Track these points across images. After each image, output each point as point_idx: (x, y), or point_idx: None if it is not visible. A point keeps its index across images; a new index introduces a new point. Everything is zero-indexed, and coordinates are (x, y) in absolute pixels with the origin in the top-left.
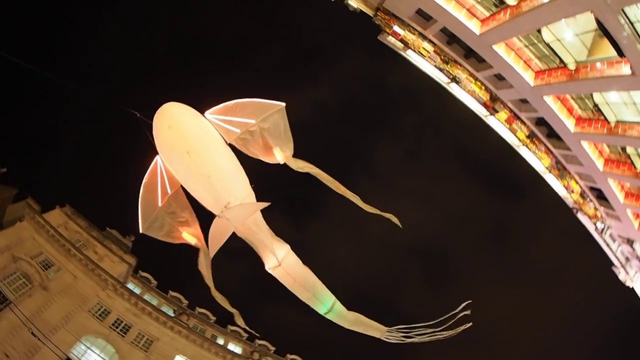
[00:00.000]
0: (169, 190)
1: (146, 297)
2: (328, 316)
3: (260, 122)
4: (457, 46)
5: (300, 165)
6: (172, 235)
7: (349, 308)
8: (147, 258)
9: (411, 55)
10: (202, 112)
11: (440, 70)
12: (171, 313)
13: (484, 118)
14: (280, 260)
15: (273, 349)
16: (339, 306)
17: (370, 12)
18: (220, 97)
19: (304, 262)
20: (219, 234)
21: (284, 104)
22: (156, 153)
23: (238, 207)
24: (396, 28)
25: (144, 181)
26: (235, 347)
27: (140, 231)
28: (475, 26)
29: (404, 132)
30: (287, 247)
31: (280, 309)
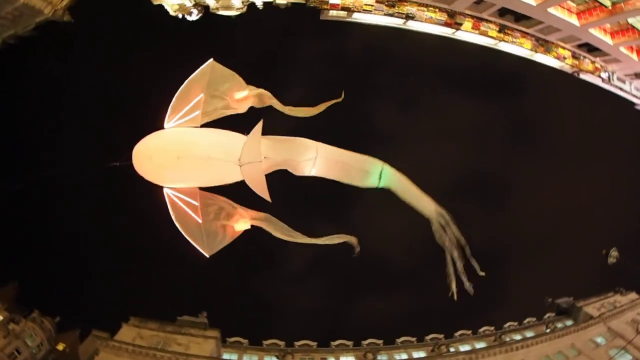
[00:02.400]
0: (196, 203)
1: (245, 358)
2: (383, 185)
3: (206, 91)
4: None
5: (258, 92)
6: (230, 233)
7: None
8: (228, 323)
9: (359, 17)
10: (160, 125)
11: (391, 15)
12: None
13: (452, 36)
14: (316, 153)
15: (380, 342)
16: (388, 169)
17: (301, 0)
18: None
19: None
20: (256, 181)
21: (210, 60)
22: (159, 193)
23: (245, 149)
24: (332, 0)
25: (174, 218)
26: (347, 359)
27: (208, 255)
28: None
29: (387, 89)
30: (311, 141)
31: (366, 303)
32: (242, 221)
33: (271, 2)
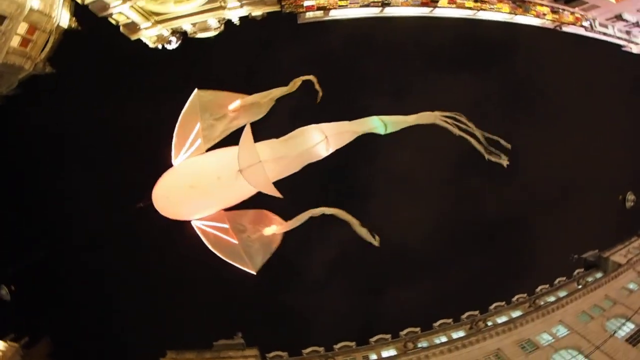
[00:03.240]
0: (226, 225)
1: None
2: (390, 130)
3: (202, 119)
4: None
5: (251, 97)
6: (269, 243)
7: None
8: (264, 339)
9: (336, 14)
10: (169, 162)
11: (367, 6)
12: None
13: (431, 15)
14: (323, 133)
15: (418, 329)
16: (385, 117)
17: (276, 7)
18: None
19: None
20: (261, 182)
21: (194, 90)
22: (185, 227)
23: (240, 154)
24: (307, 2)
25: (211, 247)
26: (389, 352)
27: (255, 272)
28: None
29: (376, 79)
30: (311, 126)
31: (395, 294)
32: (271, 229)
33: (247, 16)
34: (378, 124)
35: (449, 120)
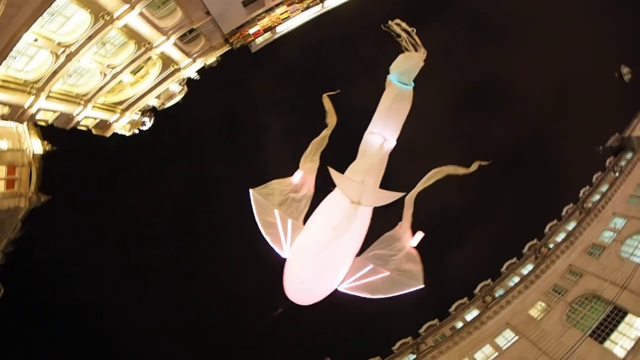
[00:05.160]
0: (369, 266)
1: None
2: (412, 77)
3: (278, 208)
4: None
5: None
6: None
7: None
8: (352, 355)
9: (283, 29)
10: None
11: (307, 8)
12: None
13: None
14: (382, 135)
15: (488, 281)
16: (395, 73)
17: (226, 47)
18: None
19: None
20: (379, 198)
21: (250, 191)
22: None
23: (346, 192)
24: (252, 30)
25: (374, 296)
26: (472, 313)
27: (422, 284)
28: None
29: (347, 68)
30: (366, 133)
31: (454, 256)
32: (406, 232)
33: (203, 67)
34: (400, 83)
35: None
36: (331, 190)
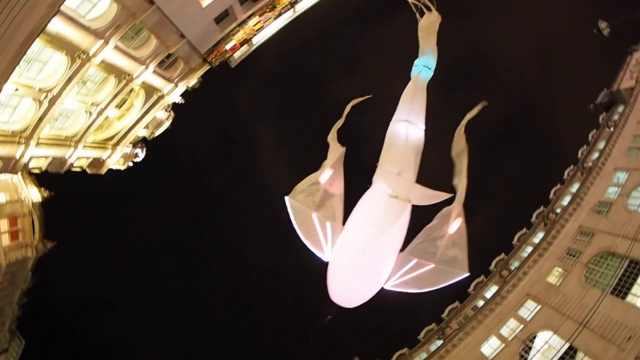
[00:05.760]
0: (413, 261)
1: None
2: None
3: (315, 213)
4: None
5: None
6: (457, 235)
7: None
8: (379, 349)
9: (258, 39)
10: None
11: (280, 15)
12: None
13: None
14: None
15: (502, 256)
16: (421, 57)
17: (206, 67)
18: None
19: None
20: (424, 196)
21: (285, 199)
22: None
23: (392, 185)
24: (228, 46)
25: (422, 289)
26: (491, 290)
27: (468, 272)
28: None
29: (331, 68)
30: (392, 122)
31: (469, 230)
32: (454, 216)
33: (186, 90)
34: (423, 69)
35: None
36: (368, 188)
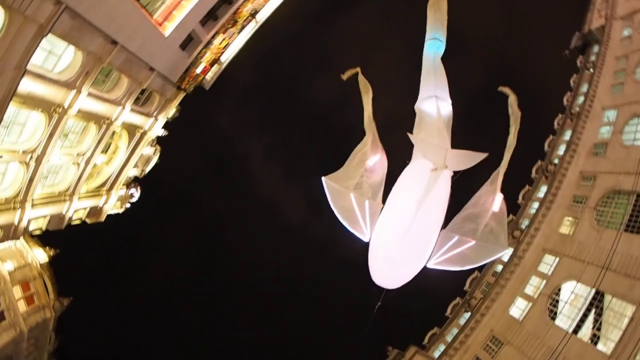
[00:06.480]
0: (455, 237)
1: (448, 337)
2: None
3: (353, 193)
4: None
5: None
6: (498, 213)
7: None
8: (410, 337)
9: (227, 56)
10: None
11: (243, 28)
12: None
13: None
14: (434, 94)
15: (510, 217)
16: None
17: (181, 95)
18: None
19: None
20: (463, 159)
21: (322, 179)
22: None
23: (430, 157)
24: (199, 69)
25: (466, 267)
26: (507, 253)
27: (507, 248)
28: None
29: (304, 69)
30: (420, 102)
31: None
32: (497, 195)
33: (167, 121)
34: (435, 46)
35: None
36: (406, 164)
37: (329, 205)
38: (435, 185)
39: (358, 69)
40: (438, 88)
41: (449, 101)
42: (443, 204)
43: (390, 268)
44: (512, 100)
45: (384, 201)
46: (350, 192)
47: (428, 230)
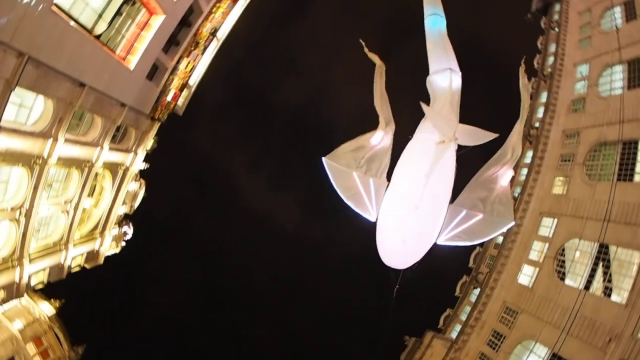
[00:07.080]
0: (463, 213)
1: (463, 316)
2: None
3: (355, 171)
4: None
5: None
6: (503, 189)
7: None
8: (425, 322)
9: (195, 79)
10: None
11: (206, 48)
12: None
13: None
14: (448, 67)
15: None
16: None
17: (156, 125)
18: None
19: None
20: (472, 135)
21: (323, 159)
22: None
23: (439, 129)
24: (169, 97)
25: (474, 241)
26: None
27: (514, 221)
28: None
29: (275, 75)
30: (431, 74)
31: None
32: (505, 170)
33: (147, 154)
34: (436, 21)
35: None
36: (409, 139)
37: (332, 185)
38: (442, 158)
39: (363, 44)
40: (451, 61)
41: (460, 74)
42: (450, 177)
43: (401, 247)
44: (522, 70)
45: (388, 179)
46: (352, 171)
47: (437, 205)
